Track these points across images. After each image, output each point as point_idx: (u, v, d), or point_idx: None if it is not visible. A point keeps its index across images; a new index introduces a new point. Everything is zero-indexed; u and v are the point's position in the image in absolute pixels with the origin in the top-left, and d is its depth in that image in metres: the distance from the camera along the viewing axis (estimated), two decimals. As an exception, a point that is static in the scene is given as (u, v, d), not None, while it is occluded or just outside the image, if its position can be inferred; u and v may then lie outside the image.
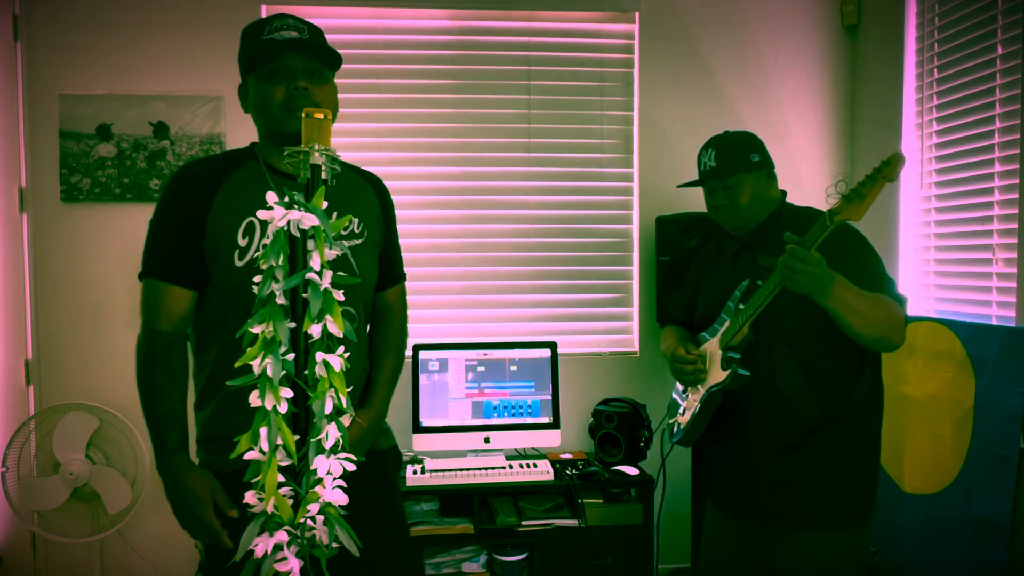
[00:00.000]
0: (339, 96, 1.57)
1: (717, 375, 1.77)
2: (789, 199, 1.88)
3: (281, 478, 1.12)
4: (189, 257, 1.47)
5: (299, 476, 1.15)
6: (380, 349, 1.68)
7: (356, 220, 1.58)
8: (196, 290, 1.51)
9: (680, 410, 1.92)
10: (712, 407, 1.79)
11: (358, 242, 1.57)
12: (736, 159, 1.81)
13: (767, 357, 1.73)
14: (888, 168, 1.46)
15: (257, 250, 1.45)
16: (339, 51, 1.52)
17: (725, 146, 1.84)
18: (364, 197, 1.65)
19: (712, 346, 1.82)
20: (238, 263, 1.45)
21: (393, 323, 1.72)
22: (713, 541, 1.94)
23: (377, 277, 1.66)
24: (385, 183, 1.74)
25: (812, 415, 1.70)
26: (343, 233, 1.56)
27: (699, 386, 1.84)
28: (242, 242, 1.46)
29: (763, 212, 1.82)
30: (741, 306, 1.73)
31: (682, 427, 1.88)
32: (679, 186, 2.09)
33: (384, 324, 1.71)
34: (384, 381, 1.67)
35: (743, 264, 1.82)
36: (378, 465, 1.64)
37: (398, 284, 1.74)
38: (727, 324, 1.78)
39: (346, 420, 1.19)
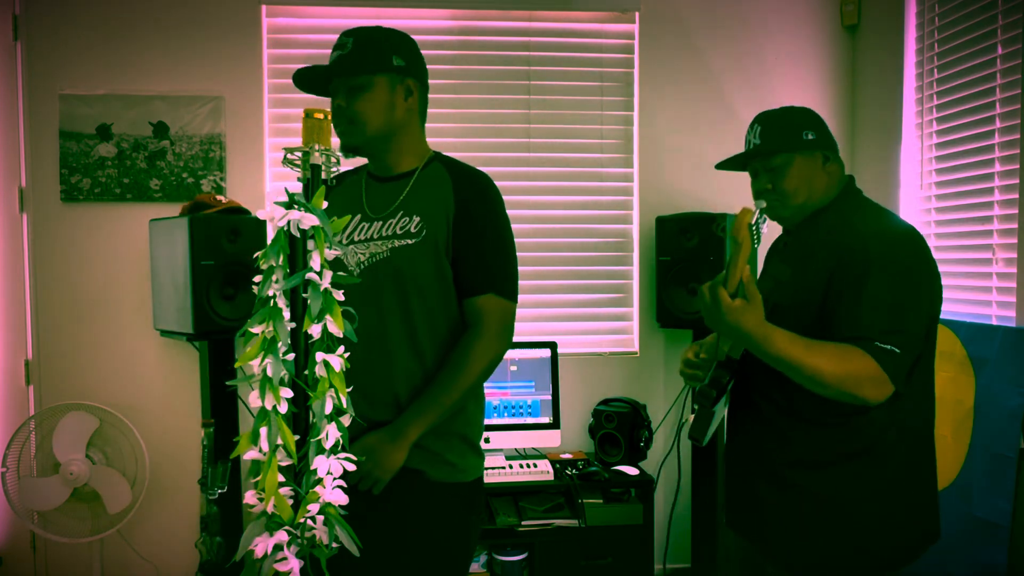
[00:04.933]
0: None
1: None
2: None
3: (281, 478, 1.12)
4: None
5: (299, 476, 1.15)
6: (442, 368, 1.51)
7: (417, 219, 1.52)
8: None
9: (693, 407, 1.81)
10: (706, 414, 1.56)
11: (409, 241, 1.51)
12: (784, 135, 1.54)
13: (756, 380, 1.54)
14: (733, 234, 1.29)
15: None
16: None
17: (773, 121, 1.58)
18: (437, 196, 1.54)
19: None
20: None
21: (469, 341, 1.51)
22: (726, 567, 1.80)
23: (446, 281, 1.52)
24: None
25: (799, 451, 1.49)
26: (399, 232, 1.53)
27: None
28: None
29: (815, 203, 1.55)
30: None
31: (690, 424, 1.68)
32: (717, 166, 1.70)
33: (460, 341, 1.53)
34: (422, 402, 1.47)
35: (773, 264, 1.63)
36: (420, 496, 1.51)
37: (486, 295, 1.52)
38: None
39: (346, 420, 1.19)
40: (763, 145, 1.55)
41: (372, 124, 1.53)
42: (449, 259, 1.51)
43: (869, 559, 1.46)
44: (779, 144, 1.54)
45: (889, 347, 1.33)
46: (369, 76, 1.53)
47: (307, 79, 1.58)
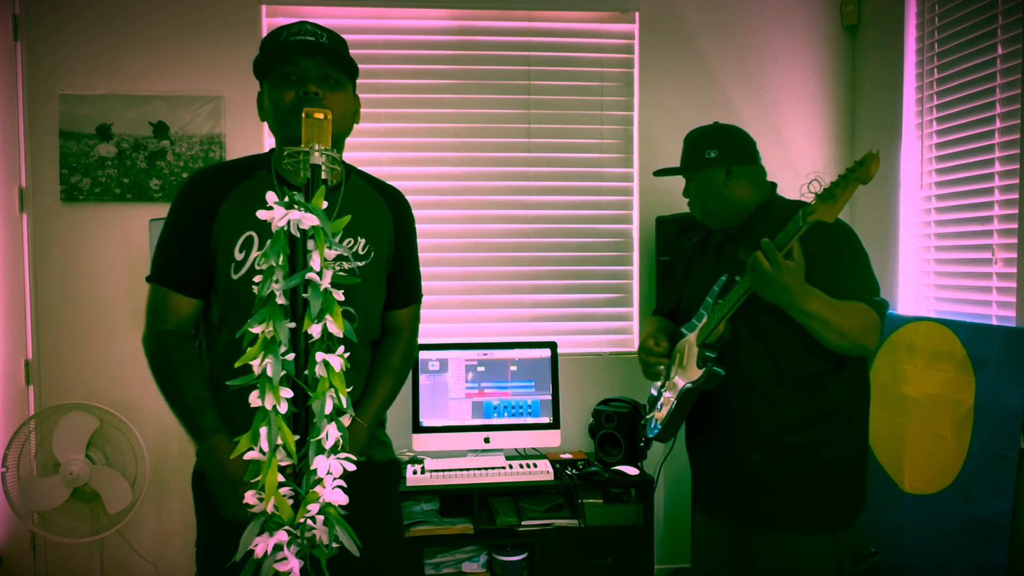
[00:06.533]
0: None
1: (693, 372, 1.74)
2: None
3: (281, 478, 1.12)
4: (194, 268, 1.48)
5: (299, 476, 1.15)
6: (379, 370, 1.58)
7: (363, 241, 1.53)
8: (202, 298, 1.50)
9: (657, 405, 1.88)
10: (688, 404, 1.74)
11: (360, 264, 1.51)
12: (691, 155, 1.81)
13: (740, 354, 1.70)
14: (862, 169, 1.41)
15: (252, 265, 1.43)
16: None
17: (689, 140, 1.84)
18: (377, 216, 1.58)
19: (690, 341, 1.79)
20: (234, 276, 1.45)
21: (399, 345, 1.62)
22: (703, 553, 1.90)
23: (382, 298, 1.59)
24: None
25: (788, 414, 1.67)
26: (347, 254, 1.51)
27: (676, 381, 1.81)
28: (238, 256, 1.44)
29: (728, 209, 1.78)
30: (719, 301, 1.70)
31: (659, 423, 1.83)
32: (655, 173, 2.01)
33: (389, 345, 1.62)
34: (374, 404, 1.55)
35: (727, 256, 1.79)
36: (373, 478, 1.55)
37: (411, 306, 1.66)
38: (704, 320, 1.75)
39: (346, 420, 1.19)
40: (681, 162, 1.85)
41: (339, 125, 1.45)
42: (385, 277, 1.59)
43: (847, 504, 1.71)
44: (684, 164, 1.84)
45: (877, 299, 1.63)
46: (344, 77, 1.49)
47: (277, 53, 1.47)
